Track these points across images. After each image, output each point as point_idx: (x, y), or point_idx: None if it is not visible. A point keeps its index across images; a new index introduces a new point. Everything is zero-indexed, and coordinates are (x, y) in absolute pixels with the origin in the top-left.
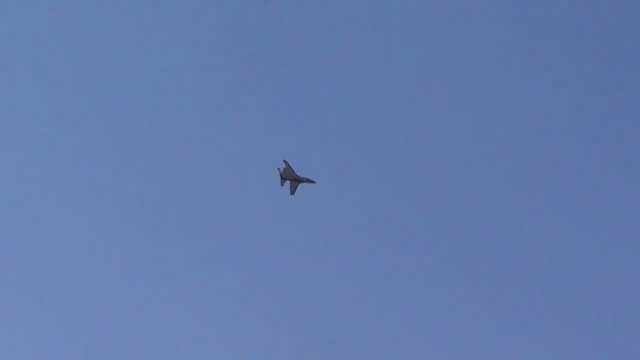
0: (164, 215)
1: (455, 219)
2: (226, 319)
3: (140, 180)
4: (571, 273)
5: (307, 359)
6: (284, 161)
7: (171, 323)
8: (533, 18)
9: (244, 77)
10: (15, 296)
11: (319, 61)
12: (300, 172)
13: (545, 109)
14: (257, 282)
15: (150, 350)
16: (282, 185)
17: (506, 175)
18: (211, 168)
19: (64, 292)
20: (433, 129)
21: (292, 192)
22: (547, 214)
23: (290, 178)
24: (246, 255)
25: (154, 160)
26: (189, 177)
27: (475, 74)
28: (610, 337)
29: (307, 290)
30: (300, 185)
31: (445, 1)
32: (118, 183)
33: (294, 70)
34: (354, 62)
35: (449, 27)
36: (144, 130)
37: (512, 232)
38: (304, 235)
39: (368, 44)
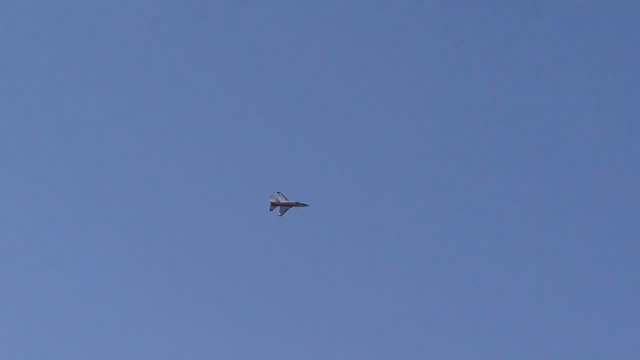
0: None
1: (449, 257)
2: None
3: (136, 191)
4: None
5: None
6: (278, 192)
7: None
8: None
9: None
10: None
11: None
12: (295, 199)
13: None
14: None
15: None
16: (271, 210)
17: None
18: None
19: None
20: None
21: (282, 214)
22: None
23: (281, 204)
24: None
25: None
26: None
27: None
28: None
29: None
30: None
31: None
32: (116, 194)
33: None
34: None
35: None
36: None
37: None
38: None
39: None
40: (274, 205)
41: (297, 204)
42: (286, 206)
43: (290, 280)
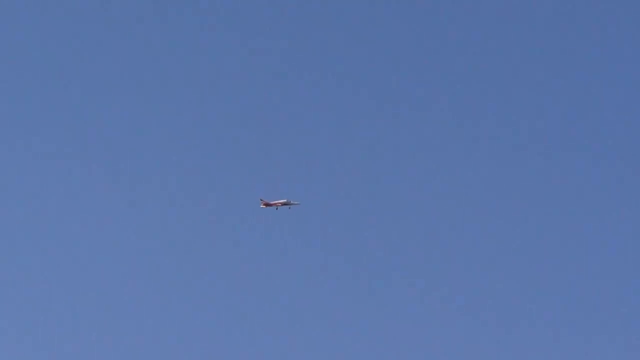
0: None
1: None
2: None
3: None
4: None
5: None
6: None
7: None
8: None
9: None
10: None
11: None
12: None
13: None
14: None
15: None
16: (261, 207)
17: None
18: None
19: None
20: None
21: (274, 207)
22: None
23: (271, 204)
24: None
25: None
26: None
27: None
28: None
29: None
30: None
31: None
32: (119, 192)
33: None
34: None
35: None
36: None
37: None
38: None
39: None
40: (265, 204)
41: (288, 203)
42: (277, 205)
43: (284, 278)
